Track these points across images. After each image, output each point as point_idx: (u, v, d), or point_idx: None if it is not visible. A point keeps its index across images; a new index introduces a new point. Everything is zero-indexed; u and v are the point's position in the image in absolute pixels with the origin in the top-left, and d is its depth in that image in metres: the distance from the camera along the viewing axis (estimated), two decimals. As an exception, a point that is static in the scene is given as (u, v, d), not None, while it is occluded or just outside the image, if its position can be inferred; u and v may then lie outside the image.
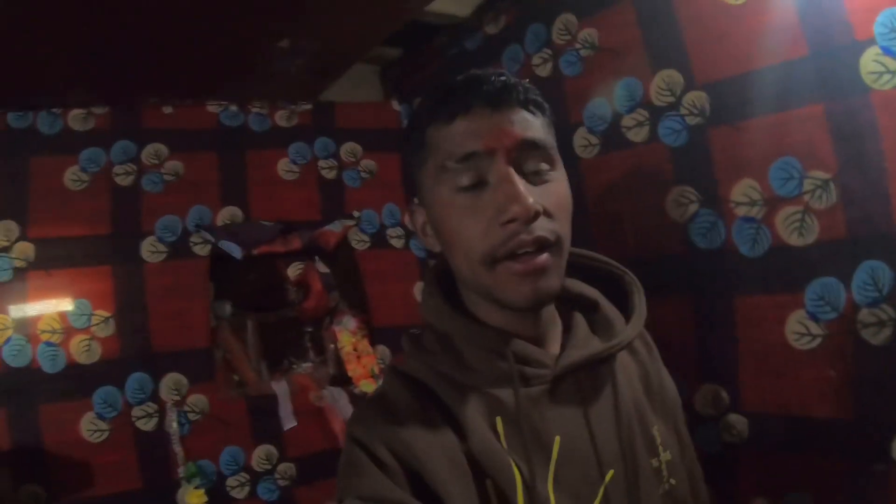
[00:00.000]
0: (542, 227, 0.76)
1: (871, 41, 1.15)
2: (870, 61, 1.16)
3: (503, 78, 0.81)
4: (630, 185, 1.63)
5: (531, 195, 0.75)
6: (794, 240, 1.31)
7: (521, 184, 0.76)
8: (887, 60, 1.14)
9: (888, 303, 1.17)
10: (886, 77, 1.14)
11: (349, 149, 2.22)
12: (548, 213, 0.78)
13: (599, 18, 1.65)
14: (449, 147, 0.79)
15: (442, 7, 1.89)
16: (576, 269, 0.89)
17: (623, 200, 1.65)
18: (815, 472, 1.29)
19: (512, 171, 0.77)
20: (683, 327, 1.50)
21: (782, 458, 1.35)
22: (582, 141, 1.70)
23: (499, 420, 0.80)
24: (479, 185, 0.79)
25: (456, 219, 0.80)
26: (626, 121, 1.60)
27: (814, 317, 1.28)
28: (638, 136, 1.58)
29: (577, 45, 1.70)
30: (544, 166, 0.80)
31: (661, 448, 0.87)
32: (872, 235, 1.19)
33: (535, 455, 0.78)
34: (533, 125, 0.80)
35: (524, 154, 0.79)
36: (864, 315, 1.20)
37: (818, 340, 1.28)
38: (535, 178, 0.79)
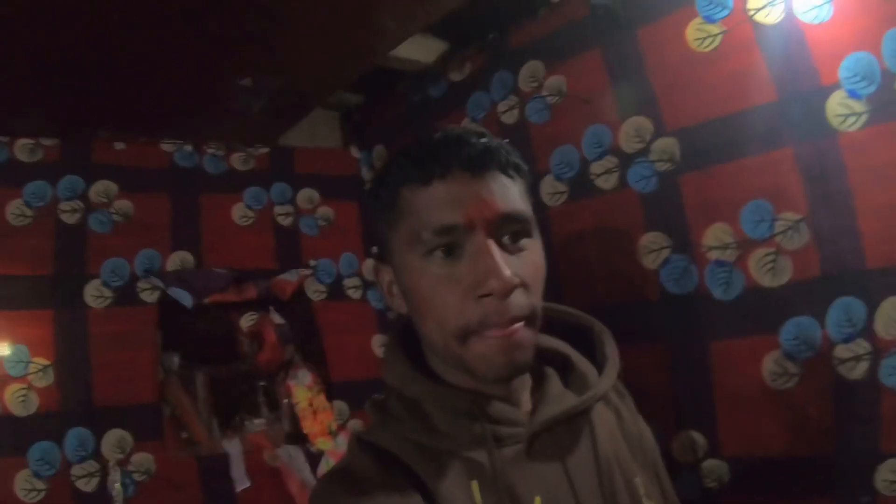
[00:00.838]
0: (517, 304, 0.77)
1: (837, 85, 1.28)
2: (836, 104, 1.29)
3: (484, 140, 0.81)
4: (600, 233, 1.71)
5: (508, 267, 0.76)
6: (767, 281, 1.40)
7: (498, 256, 0.76)
8: (853, 103, 1.27)
9: (863, 337, 1.26)
10: (852, 119, 1.27)
11: (306, 195, 2.26)
12: (524, 285, 0.79)
13: (567, 65, 1.75)
14: (425, 215, 0.79)
15: (406, 53, 1.96)
16: (544, 322, 0.87)
17: (593, 248, 1.72)
18: (800, 512, 1.35)
19: (491, 243, 0.77)
20: (659, 374, 1.56)
21: (766, 501, 1.41)
22: (549, 188, 1.78)
23: (474, 485, 0.79)
24: (454, 253, 0.79)
25: (429, 288, 0.80)
26: (595, 168, 1.69)
27: (790, 356, 1.36)
28: (607, 183, 1.67)
29: (545, 93, 1.80)
30: (521, 236, 0.81)
31: (644, 499, 0.88)
32: (845, 272, 1.29)
33: None
34: (512, 193, 0.81)
35: (503, 226, 0.79)
36: (841, 351, 1.29)
37: (795, 380, 1.35)
38: (511, 248, 0.80)
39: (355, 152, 2.40)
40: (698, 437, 1.50)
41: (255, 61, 1.68)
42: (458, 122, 2.00)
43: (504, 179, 0.81)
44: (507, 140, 0.86)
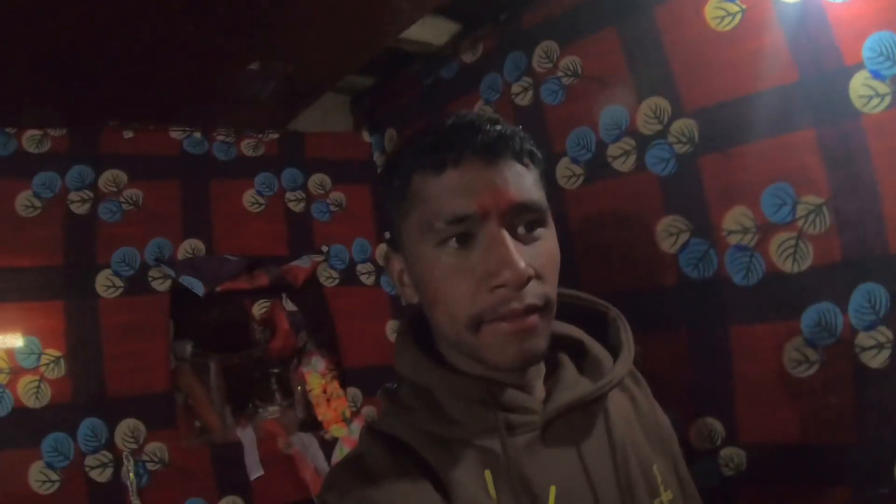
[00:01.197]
0: (532, 294, 0.77)
1: (861, 65, 1.26)
2: (859, 85, 1.27)
3: (499, 127, 0.81)
4: (617, 216, 1.70)
5: (522, 257, 0.76)
6: (788, 266, 1.39)
7: (513, 246, 0.76)
8: (876, 84, 1.25)
9: (886, 324, 1.25)
10: (876, 100, 1.25)
11: (318, 180, 2.26)
12: (538, 276, 0.79)
13: (582, 45, 1.73)
14: (438, 204, 0.79)
15: (417, 34, 1.95)
16: (558, 308, 0.87)
17: (610, 232, 1.71)
18: (817, 501, 1.35)
19: (505, 233, 0.77)
20: (677, 360, 1.56)
21: (783, 489, 1.41)
22: (565, 171, 1.77)
23: (487, 474, 0.80)
24: (467, 242, 0.79)
25: (441, 278, 0.80)
26: (612, 150, 1.68)
27: (811, 343, 1.35)
28: (624, 165, 1.66)
29: (559, 73, 1.78)
30: (536, 225, 0.81)
31: (661, 487, 0.88)
32: (868, 258, 1.28)
33: None
34: (526, 182, 0.81)
35: (517, 215, 0.79)
36: (863, 338, 1.28)
37: (816, 367, 1.35)
38: (525, 237, 0.80)
39: (366, 136, 2.40)
40: (716, 424, 1.49)
41: (265, 46, 1.68)
42: (472, 105, 1.99)
43: (518, 167, 0.81)
44: (520, 126, 0.85)
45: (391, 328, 2.26)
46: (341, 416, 2.06)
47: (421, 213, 0.81)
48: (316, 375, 2.06)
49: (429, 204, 0.80)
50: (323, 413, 2.03)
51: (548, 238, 0.83)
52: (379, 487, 0.78)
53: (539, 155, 0.86)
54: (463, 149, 0.79)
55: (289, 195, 2.20)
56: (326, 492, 0.82)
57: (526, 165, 0.82)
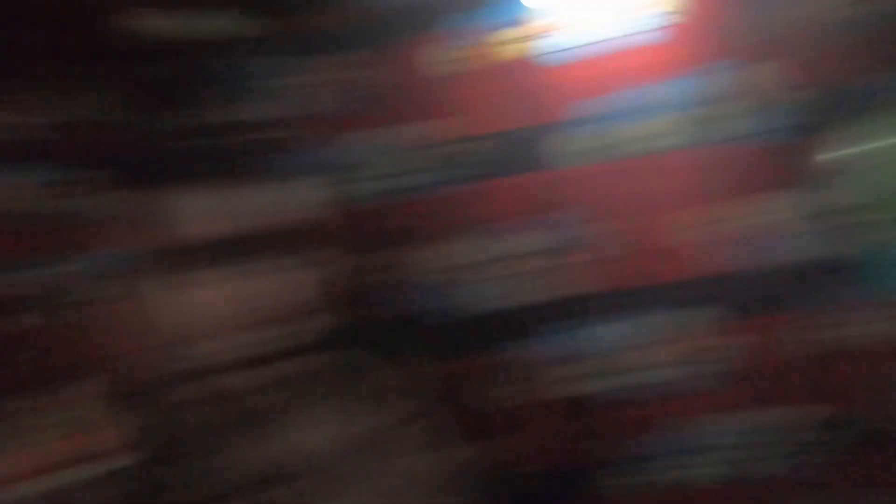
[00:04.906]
0: None
1: (566, 124, 1.41)
2: (562, 140, 1.41)
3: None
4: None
5: None
6: (502, 303, 1.45)
7: None
8: (577, 141, 1.41)
9: (587, 356, 1.40)
10: (576, 156, 1.41)
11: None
12: None
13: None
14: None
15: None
16: None
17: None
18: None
19: None
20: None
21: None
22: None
23: None
24: None
25: None
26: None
27: (523, 372, 1.43)
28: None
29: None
30: None
31: None
32: (567, 297, 1.42)
33: None
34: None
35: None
36: (565, 370, 1.41)
37: (525, 396, 1.43)
38: None
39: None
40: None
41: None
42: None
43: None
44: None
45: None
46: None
47: None
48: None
49: None
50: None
51: None
52: None
53: None
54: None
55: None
56: None
57: None
